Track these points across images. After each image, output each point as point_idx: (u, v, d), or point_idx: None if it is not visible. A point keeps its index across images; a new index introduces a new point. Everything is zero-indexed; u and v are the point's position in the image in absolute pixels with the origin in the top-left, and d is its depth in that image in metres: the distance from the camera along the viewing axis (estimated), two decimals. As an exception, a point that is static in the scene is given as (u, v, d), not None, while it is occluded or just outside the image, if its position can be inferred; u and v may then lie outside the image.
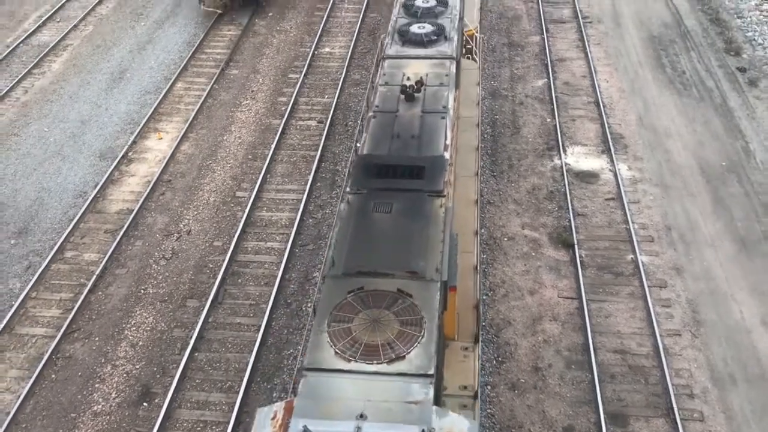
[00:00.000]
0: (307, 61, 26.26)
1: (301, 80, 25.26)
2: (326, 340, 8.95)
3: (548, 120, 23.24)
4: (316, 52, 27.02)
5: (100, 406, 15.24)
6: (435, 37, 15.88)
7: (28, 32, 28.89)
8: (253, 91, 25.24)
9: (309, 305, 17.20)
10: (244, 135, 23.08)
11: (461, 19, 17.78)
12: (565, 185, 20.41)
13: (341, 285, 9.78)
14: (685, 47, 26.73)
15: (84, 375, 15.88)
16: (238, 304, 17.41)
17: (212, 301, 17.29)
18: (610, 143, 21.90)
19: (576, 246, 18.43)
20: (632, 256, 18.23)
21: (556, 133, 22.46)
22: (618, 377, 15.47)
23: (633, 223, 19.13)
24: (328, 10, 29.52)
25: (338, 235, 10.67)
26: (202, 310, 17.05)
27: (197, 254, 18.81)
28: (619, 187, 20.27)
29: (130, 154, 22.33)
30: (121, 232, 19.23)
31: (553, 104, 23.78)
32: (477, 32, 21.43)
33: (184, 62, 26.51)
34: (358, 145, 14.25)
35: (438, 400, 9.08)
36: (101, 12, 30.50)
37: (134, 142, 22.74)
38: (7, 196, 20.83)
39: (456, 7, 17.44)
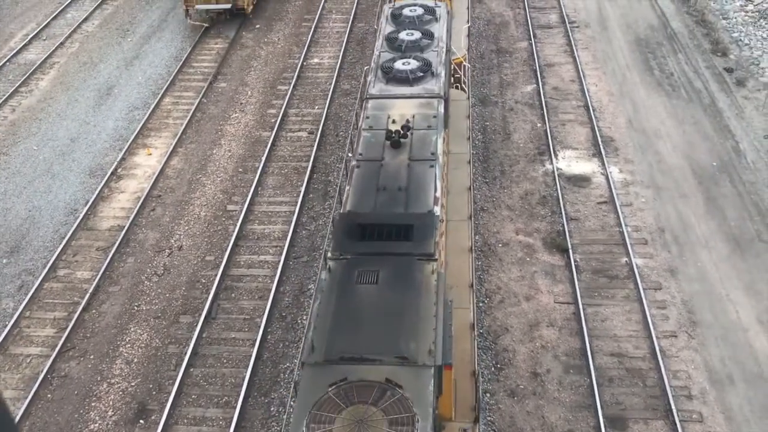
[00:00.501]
0: (296, 73, 26.24)
1: (290, 92, 25.22)
2: None
3: (538, 125, 23.28)
4: (304, 63, 27.01)
5: (96, 425, 15.09)
6: (421, 74, 14.83)
7: (14, 50, 28.77)
8: (242, 103, 25.19)
9: (304, 318, 17.12)
10: (233, 148, 23.01)
11: (448, 51, 16.81)
12: (557, 190, 20.43)
13: (322, 375, 8.68)
14: (672, 49, 26.86)
15: (80, 393, 15.73)
16: (233, 319, 17.30)
17: (206, 317, 17.17)
18: (601, 146, 21.94)
19: (570, 250, 18.42)
20: (626, 259, 18.24)
21: (547, 138, 22.49)
22: (616, 381, 15.43)
23: (626, 225, 19.14)
24: (315, 21, 29.52)
25: (319, 311, 9.56)
26: (196, 325, 16.93)
27: (189, 270, 18.70)
28: (611, 190, 20.30)
29: (119, 170, 22.22)
30: (113, 249, 19.10)
31: (543, 109, 23.82)
32: (465, 60, 20.69)
33: (172, 77, 26.44)
34: (342, 199, 12.87)
35: None
36: (87, 29, 30.41)
37: (123, 158, 22.64)
38: (-3, 215, 20.69)
39: (443, 39, 16.37)
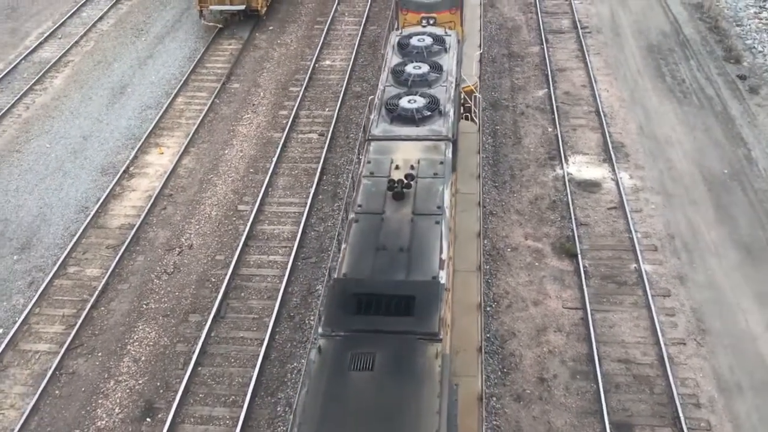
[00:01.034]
0: (308, 74, 26.32)
1: (301, 93, 25.30)
2: None
3: (549, 130, 23.25)
4: (316, 65, 27.09)
5: (103, 422, 15.17)
6: (428, 113, 13.71)
7: (30, 49, 29.00)
8: (254, 104, 25.29)
9: (312, 318, 17.16)
10: (245, 148, 23.10)
11: (458, 84, 15.64)
12: (567, 195, 20.39)
13: None
14: (685, 56, 26.77)
15: (87, 391, 15.82)
16: (241, 318, 17.36)
17: (215, 316, 17.24)
18: (612, 152, 21.90)
19: (579, 256, 18.38)
20: (635, 265, 18.18)
21: (558, 143, 22.46)
22: (623, 387, 15.38)
23: (636, 232, 19.08)
24: (328, 23, 29.61)
25: (306, 402, 8.61)
26: (205, 324, 17.00)
27: (199, 268, 18.78)
28: (621, 196, 20.25)
29: (131, 169, 22.35)
30: (123, 247, 19.21)
31: (554, 114, 23.79)
32: (477, 89, 19.64)
33: (185, 77, 26.58)
34: (335, 262, 11.82)
35: None
36: (102, 28, 30.62)
37: (135, 157, 22.77)
38: (10, 211, 20.84)
39: (452, 73, 15.23)
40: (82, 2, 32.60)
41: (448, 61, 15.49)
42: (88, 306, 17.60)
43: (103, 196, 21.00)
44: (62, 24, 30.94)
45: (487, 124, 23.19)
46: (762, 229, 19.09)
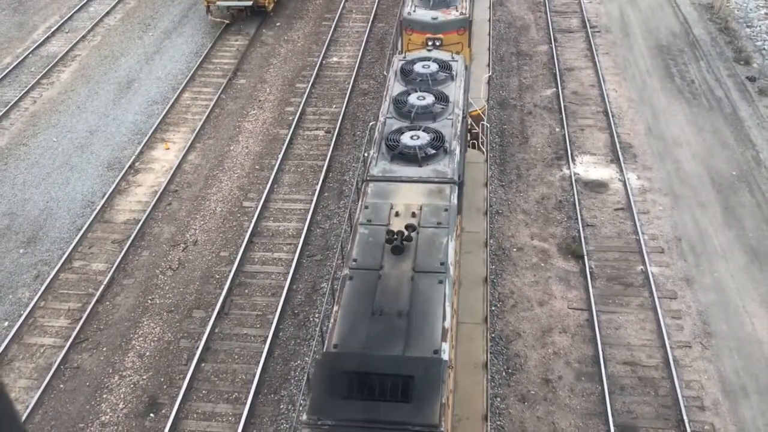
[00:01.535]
0: (315, 71, 26.27)
1: (308, 90, 25.26)
2: None
3: (557, 129, 23.16)
4: (323, 62, 27.03)
5: (107, 417, 15.18)
6: (432, 151, 12.55)
7: (37, 43, 29.02)
8: (260, 100, 25.26)
9: (316, 315, 17.13)
10: (251, 145, 23.08)
11: (465, 118, 14.46)
12: (574, 195, 20.30)
13: None
14: (694, 56, 26.63)
15: (92, 385, 15.83)
16: (245, 315, 17.34)
17: (219, 312, 17.23)
18: (619, 153, 21.79)
19: (585, 257, 18.30)
20: (642, 267, 18.10)
21: (565, 143, 22.36)
22: (628, 389, 15.32)
23: (643, 233, 18.99)
24: (336, 20, 29.55)
25: None
26: (209, 320, 16.99)
27: (204, 265, 18.77)
28: (628, 197, 20.15)
29: (137, 164, 22.35)
30: (129, 242, 19.21)
31: (561, 114, 23.70)
32: (485, 113, 18.56)
33: (192, 72, 26.55)
34: (325, 326, 10.69)
35: None
36: (109, 23, 30.62)
37: (141, 152, 22.76)
38: (16, 205, 20.86)
39: (459, 104, 13.96)
40: (90, -4, 32.61)
41: (454, 91, 14.25)
42: (94, 300, 17.61)
43: (109, 191, 21.01)
44: (69, 18, 30.95)
45: (494, 123, 23.10)
46: (770, 232, 18.99)
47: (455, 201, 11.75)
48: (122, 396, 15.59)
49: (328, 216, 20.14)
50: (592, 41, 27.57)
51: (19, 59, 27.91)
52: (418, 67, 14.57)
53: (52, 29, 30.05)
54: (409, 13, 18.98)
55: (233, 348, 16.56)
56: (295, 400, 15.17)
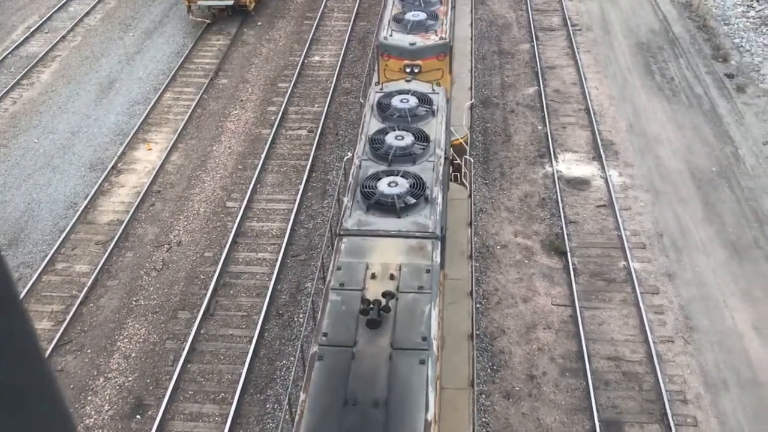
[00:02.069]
0: (297, 70, 26.25)
1: (290, 89, 25.23)
2: None
3: (539, 127, 23.32)
4: (305, 61, 27.02)
5: (92, 420, 15.10)
6: (413, 200, 11.48)
7: (16, 43, 28.75)
8: (242, 100, 25.20)
9: (301, 316, 17.15)
10: (233, 145, 23.03)
11: (447, 158, 13.38)
12: (556, 192, 20.46)
13: None
14: (674, 54, 26.90)
15: (76, 388, 15.74)
16: (230, 316, 17.32)
17: (204, 313, 17.20)
18: (601, 150, 21.98)
19: (568, 253, 18.46)
20: (624, 262, 18.28)
21: (547, 141, 22.52)
22: (612, 384, 15.48)
23: (625, 229, 19.18)
24: (317, 20, 29.53)
25: None
26: (194, 321, 16.95)
27: (188, 265, 18.71)
28: (610, 194, 20.34)
29: (119, 164, 22.23)
30: (112, 244, 19.12)
31: (543, 112, 23.85)
32: (467, 143, 17.57)
33: (173, 72, 26.43)
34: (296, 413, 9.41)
35: None
36: (89, 23, 30.40)
37: (124, 152, 22.64)
38: (-4, 208, 20.70)
39: (441, 144, 12.94)
40: (70, -4, 32.36)
41: (435, 128, 13.24)
42: (77, 302, 17.51)
43: (92, 192, 20.88)
44: (49, 18, 30.69)
45: (477, 122, 23.21)
46: (748, 227, 19.24)
47: (438, 259, 10.66)
48: (107, 398, 15.52)
49: (311, 215, 20.15)
50: (573, 39, 27.77)
51: (-2, 60, 27.66)
52: (396, 102, 13.59)
53: (32, 29, 29.79)
54: (385, 38, 17.47)
55: (219, 348, 16.53)
56: (281, 400, 15.19)
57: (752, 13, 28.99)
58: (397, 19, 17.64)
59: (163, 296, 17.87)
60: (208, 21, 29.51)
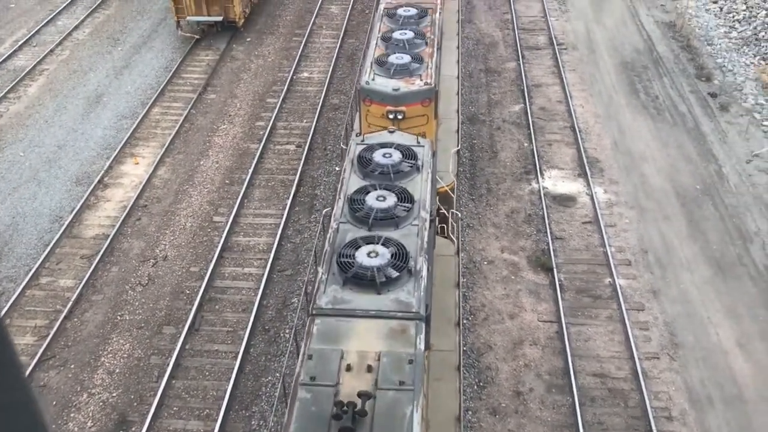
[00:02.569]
0: (286, 86, 26.33)
1: (279, 105, 25.29)
2: None
3: (525, 144, 23.48)
4: (294, 77, 27.11)
5: (74, 436, 14.95)
6: (395, 273, 10.23)
7: (4, 56, 28.68)
8: (230, 115, 25.23)
9: (287, 331, 17.09)
10: (221, 159, 23.02)
11: (433, 221, 12.39)
12: (543, 209, 20.58)
13: None
14: (658, 73, 27.21)
15: (59, 404, 15.58)
16: (216, 331, 17.23)
17: (189, 328, 17.10)
18: (587, 167, 22.15)
19: (555, 269, 18.54)
20: (610, 279, 18.38)
21: (534, 158, 22.67)
22: (598, 401, 15.51)
23: (610, 246, 19.30)
24: (306, 36, 29.67)
25: None
26: (179, 336, 16.85)
27: (174, 280, 18.63)
28: (595, 211, 20.48)
29: (106, 179, 22.15)
30: (97, 258, 19.01)
31: (529, 129, 24.03)
32: (454, 192, 16.50)
33: (161, 87, 26.44)
34: None
35: None
36: (78, 37, 30.39)
37: (110, 167, 22.57)
38: (-19, 221, 20.54)
39: (426, 204, 11.75)
40: (58, 11, 32.35)
41: (420, 187, 12.14)
42: (61, 317, 17.37)
43: (78, 206, 20.78)
44: (37, 32, 30.66)
45: (464, 138, 23.33)
46: (732, 245, 19.41)
47: (422, 345, 9.43)
48: (91, 414, 15.37)
49: (299, 230, 20.14)
50: (559, 58, 28.04)
51: (-15, 73, 27.56)
52: (377, 156, 12.52)
53: (19, 43, 29.73)
54: (367, 82, 16.50)
55: (204, 364, 16.43)
56: (266, 416, 15.09)
57: (734, 33, 29.41)
58: (380, 62, 16.73)
59: (148, 311, 17.77)
60: (197, 36, 29.58)
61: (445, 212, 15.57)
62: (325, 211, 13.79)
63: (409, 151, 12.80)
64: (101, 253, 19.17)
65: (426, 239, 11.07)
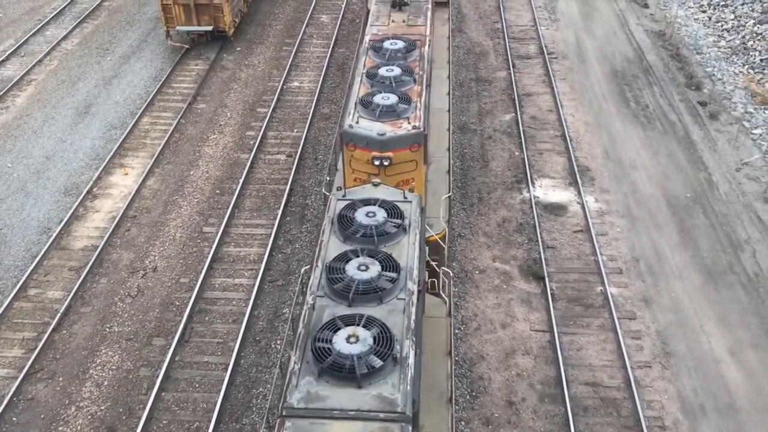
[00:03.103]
0: (276, 96, 26.26)
1: (269, 114, 25.22)
2: None
3: (516, 153, 23.47)
4: (284, 87, 27.05)
5: (62, 450, 14.76)
6: (378, 362, 8.94)
7: (-8, 67, 28.52)
8: (220, 125, 25.13)
9: (278, 342, 16.96)
10: (211, 169, 22.90)
11: (421, 290, 11.33)
12: (534, 218, 20.55)
13: None
14: (648, 82, 27.31)
15: (47, 417, 15.38)
16: (206, 343, 17.08)
17: (179, 340, 16.94)
18: (577, 176, 22.15)
19: (546, 278, 18.49)
20: (601, 288, 18.34)
21: (525, 167, 22.67)
22: (591, 410, 15.43)
23: (601, 255, 19.28)
24: (296, 45, 29.63)
25: None
26: (169, 348, 16.69)
27: (163, 291, 18.47)
28: (587, 219, 20.46)
29: (94, 189, 21.99)
30: (86, 270, 18.84)
31: (520, 138, 24.04)
32: (445, 242, 15.39)
33: (151, 97, 26.33)
34: None
35: None
36: (66, 47, 30.25)
37: (99, 177, 22.42)
38: (-32, 233, 20.34)
39: (412, 274, 10.60)
40: (46, 21, 32.21)
41: (407, 251, 10.97)
42: (50, 329, 17.18)
43: (66, 217, 20.61)
44: (25, 42, 30.51)
45: (455, 148, 23.31)
46: (723, 252, 19.42)
47: None
48: (79, 428, 15.17)
49: (290, 241, 20.03)
50: (549, 67, 28.10)
51: (-27, 83, 27.38)
52: (360, 216, 11.35)
53: (7, 53, 29.57)
54: (351, 126, 14.87)
55: (194, 376, 16.27)
56: (257, 429, 14.95)
57: (723, 42, 29.57)
58: (365, 103, 15.14)
59: (137, 323, 17.60)
60: (187, 46, 29.49)
61: (435, 267, 14.16)
62: (303, 269, 12.83)
63: (394, 209, 11.58)
64: (90, 264, 19.00)
65: (413, 316, 9.81)
